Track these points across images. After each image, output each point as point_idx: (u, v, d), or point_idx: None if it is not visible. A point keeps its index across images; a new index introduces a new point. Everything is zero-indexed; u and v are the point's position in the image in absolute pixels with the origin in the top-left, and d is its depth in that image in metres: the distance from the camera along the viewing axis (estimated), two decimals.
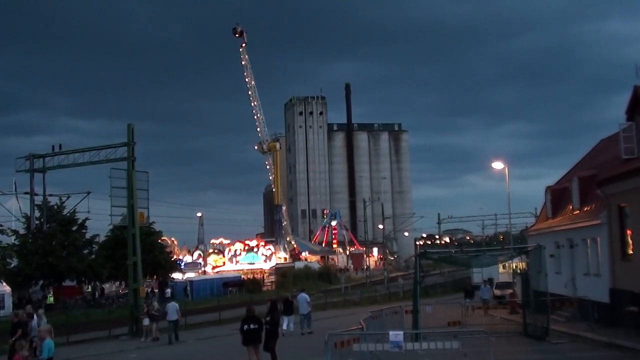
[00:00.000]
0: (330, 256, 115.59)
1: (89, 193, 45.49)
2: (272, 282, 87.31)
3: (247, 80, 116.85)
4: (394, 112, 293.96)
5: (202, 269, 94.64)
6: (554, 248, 34.87)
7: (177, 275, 77.49)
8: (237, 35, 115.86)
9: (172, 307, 34.07)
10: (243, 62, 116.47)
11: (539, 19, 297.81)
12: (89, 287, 68.26)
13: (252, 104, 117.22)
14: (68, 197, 57.72)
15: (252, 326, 19.70)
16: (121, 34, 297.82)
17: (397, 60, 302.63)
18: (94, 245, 64.52)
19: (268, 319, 20.84)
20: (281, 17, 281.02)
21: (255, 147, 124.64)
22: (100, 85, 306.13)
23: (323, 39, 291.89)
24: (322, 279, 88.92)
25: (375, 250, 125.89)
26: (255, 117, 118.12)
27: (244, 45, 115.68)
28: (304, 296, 33.89)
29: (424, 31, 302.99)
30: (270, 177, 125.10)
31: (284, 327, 30.43)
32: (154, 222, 63.98)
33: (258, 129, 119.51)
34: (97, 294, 68.47)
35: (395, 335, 16.94)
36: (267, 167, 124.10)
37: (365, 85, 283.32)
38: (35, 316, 25.63)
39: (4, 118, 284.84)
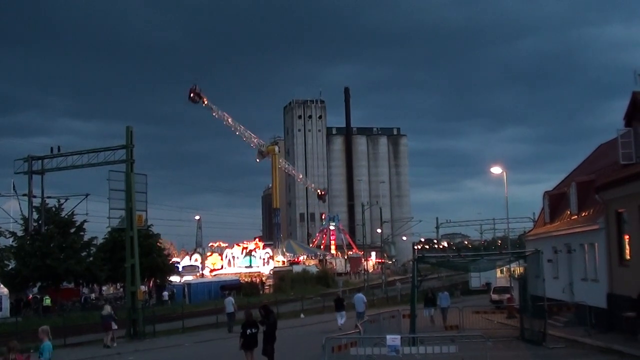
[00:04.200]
0: (329, 260, 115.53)
1: (87, 195, 45.58)
2: (270, 285, 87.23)
3: (224, 122, 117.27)
4: (393, 115, 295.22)
5: (200, 272, 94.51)
6: (552, 253, 34.89)
7: (175, 278, 77.42)
8: (192, 96, 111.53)
9: (229, 301, 39.29)
10: (214, 114, 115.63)
11: (539, 24, 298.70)
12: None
13: (238, 134, 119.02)
14: (66, 199, 57.95)
15: (253, 330, 20.08)
16: (120, 35, 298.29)
17: (396, 64, 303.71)
18: (92, 248, 64.41)
19: (265, 321, 20.77)
20: (281, 20, 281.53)
21: (257, 160, 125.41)
22: (99, 87, 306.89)
23: (323, 42, 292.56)
24: (320, 283, 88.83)
25: (373, 254, 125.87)
26: (245, 140, 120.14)
27: (205, 102, 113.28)
28: (360, 296, 36.79)
29: (424, 35, 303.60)
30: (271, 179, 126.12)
31: (339, 322, 34.60)
32: (152, 225, 63.94)
33: (252, 145, 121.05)
34: (94, 295, 68.40)
35: (393, 339, 16.96)
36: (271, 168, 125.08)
37: (364, 89, 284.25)
38: None
39: (1, 119, 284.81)
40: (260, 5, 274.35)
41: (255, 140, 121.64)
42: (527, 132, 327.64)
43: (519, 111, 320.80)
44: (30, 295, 60.55)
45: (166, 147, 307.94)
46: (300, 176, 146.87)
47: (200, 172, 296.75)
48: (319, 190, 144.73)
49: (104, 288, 73.13)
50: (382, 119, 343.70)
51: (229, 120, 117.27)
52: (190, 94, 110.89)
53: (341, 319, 35.15)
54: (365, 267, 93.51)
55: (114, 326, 34.45)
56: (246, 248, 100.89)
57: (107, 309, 34.82)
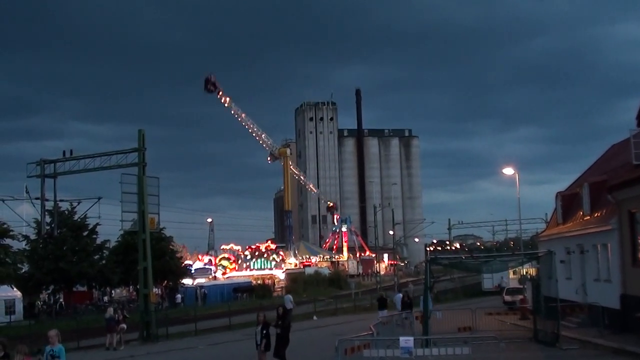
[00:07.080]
0: (340, 262, 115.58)
1: (99, 198, 45.58)
2: (282, 287, 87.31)
3: (237, 117, 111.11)
4: (405, 116, 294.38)
5: (213, 274, 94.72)
6: (565, 254, 34.76)
7: (187, 281, 77.67)
8: (210, 88, 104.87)
9: (288, 298, 42.78)
10: (226, 105, 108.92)
11: (551, 23, 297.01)
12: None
13: (250, 132, 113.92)
14: (79, 203, 57.97)
15: (267, 332, 20.18)
16: (131, 38, 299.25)
17: (408, 64, 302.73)
18: (104, 251, 64.75)
19: (279, 323, 20.81)
20: (291, 21, 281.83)
21: (268, 160, 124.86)
22: (110, 90, 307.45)
23: (334, 43, 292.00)
24: (332, 285, 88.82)
25: (385, 255, 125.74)
26: (257, 139, 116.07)
27: (219, 94, 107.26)
28: (399, 295, 39.27)
29: (436, 34, 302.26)
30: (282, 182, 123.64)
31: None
32: (164, 228, 64.11)
33: (264, 145, 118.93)
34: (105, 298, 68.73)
35: (406, 341, 16.95)
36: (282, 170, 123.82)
37: (375, 90, 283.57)
38: None
39: (13, 122, 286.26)
40: (270, 7, 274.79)
41: (269, 142, 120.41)
42: (539, 132, 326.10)
43: (531, 111, 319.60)
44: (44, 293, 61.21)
45: (178, 149, 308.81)
46: (311, 185, 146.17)
47: (212, 175, 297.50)
48: (329, 202, 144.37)
49: (117, 290, 73.46)
50: (394, 120, 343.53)
51: (243, 115, 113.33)
52: (206, 84, 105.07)
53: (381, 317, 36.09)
54: (378, 269, 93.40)
55: (124, 327, 34.57)
56: (259, 250, 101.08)
57: (110, 311, 34.95)
